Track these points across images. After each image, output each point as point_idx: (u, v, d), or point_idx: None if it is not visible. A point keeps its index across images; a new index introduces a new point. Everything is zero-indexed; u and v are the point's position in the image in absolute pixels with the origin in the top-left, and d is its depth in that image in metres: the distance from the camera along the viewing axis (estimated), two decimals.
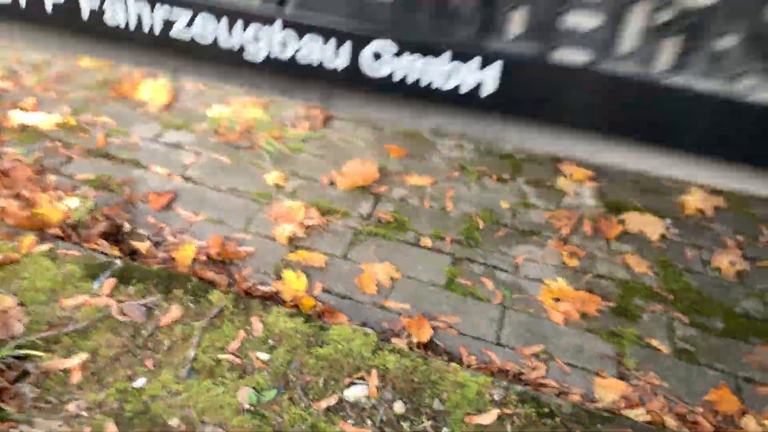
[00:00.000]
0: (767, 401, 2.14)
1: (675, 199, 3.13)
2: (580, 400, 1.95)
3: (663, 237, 2.84)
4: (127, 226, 2.33)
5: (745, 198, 3.23)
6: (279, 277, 2.27)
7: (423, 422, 1.70)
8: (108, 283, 1.93)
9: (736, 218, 3.06)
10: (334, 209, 2.65)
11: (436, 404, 1.76)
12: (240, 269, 2.28)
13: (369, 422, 1.67)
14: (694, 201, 3.09)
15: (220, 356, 1.76)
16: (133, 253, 2.23)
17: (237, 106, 3.10)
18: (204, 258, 2.24)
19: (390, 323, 2.17)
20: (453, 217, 2.73)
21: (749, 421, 2.03)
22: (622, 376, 2.13)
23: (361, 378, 1.78)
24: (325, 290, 2.26)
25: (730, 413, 2.06)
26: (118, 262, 2.02)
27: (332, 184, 2.79)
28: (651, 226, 2.88)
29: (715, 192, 3.21)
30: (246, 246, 2.37)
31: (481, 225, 2.71)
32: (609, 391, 2.05)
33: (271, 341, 1.85)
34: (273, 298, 2.15)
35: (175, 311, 1.87)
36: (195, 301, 1.93)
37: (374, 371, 1.79)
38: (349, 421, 1.66)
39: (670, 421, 1.94)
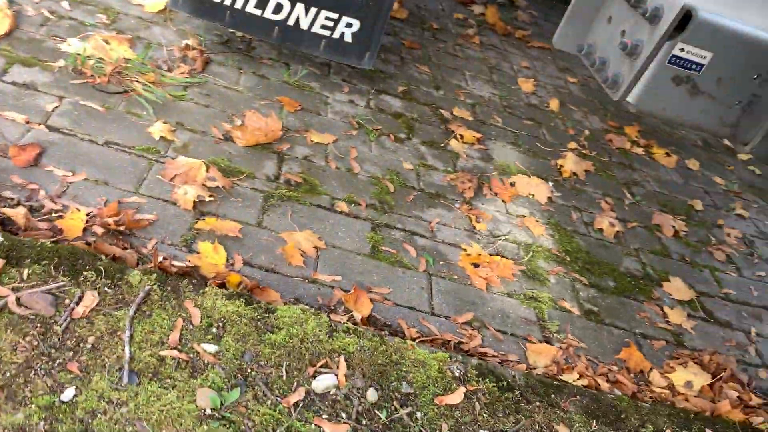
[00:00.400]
0: (664, 355, 2.33)
1: (551, 162, 3.27)
2: (528, 369, 1.96)
3: (550, 200, 2.95)
4: None
5: (606, 162, 3.48)
6: (190, 250, 1.96)
7: (397, 409, 1.58)
8: None
9: (603, 181, 3.29)
10: (237, 169, 2.35)
11: (405, 387, 1.65)
12: (143, 242, 1.93)
13: (344, 415, 1.52)
14: (568, 165, 3.25)
15: (162, 352, 1.47)
16: (4, 224, 1.78)
17: (98, 42, 2.60)
18: (100, 229, 1.86)
19: (324, 298, 1.99)
20: (362, 180, 2.58)
21: (655, 376, 2.20)
22: (547, 340, 2.19)
23: (325, 365, 1.61)
24: (246, 263, 2.01)
25: (638, 369, 2.22)
26: None
27: (227, 139, 2.48)
28: (538, 189, 2.98)
29: (582, 155, 3.41)
30: (144, 213, 2.02)
31: (391, 188, 2.59)
32: (541, 356, 2.09)
33: (214, 329, 1.59)
34: (190, 275, 1.86)
35: (90, 299, 1.52)
36: (111, 284, 1.59)
37: (341, 358, 1.62)
38: (324, 416, 1.49)
39: (603, 383, 2.03)
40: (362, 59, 2.68)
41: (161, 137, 2.34)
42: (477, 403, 1.70)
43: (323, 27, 2.58)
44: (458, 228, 2.54)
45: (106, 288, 1.57)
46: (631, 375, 2.19)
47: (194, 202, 2.10)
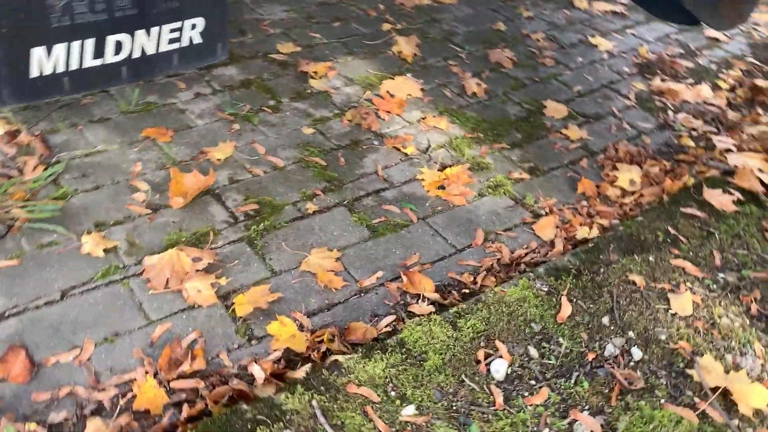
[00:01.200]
0: (593, 168, 2.78)
1: (389, 53, 3.37)
2: (560, 251, 2.26)
3: (423, 90, 3.10)
4: (32, 428, 1.53)
5: (419, 27, 3.66)
6: (258, 340, 1.85)
7: (552, 347, 1.80)
8: None
9: (431, 47, 3.49)
10: (199, 234, 2.15)
11: (535, 327, 1.86)
12: (218, 363, 1.77)
13: (533, 382, 1.70)
14: (404, 48, 3.38)
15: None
16: None
17: None
18: (181, 383, 1.67)
19: (387, 299, 2.04)
20: (293, 170, 2.49)
21: (608, 190, 2.64)
22: (537, 214, 2.49)
23: (485, 356, 1.74)
24: (308, 314, 1.95)
25: (595, 192, 2.64)
26: None
27: (156, 209, 2.21)
28: (408, 86, 3.10)
29: (400, 32, 3.53)
30: (185, 337, 1.82)
31: (322, 162, 2.55)
32: (546, 230, 2.39)
33: (392, 392, 1.61)
34: (293, 360, 1.79)
35: None
36: (286, 425, 1.50)
37: (496, 341, 1.76)
38: (526, 393, 1.66)
39: (601, 222, 2.41)
40: (216, 53, 2.44)
41: (104, 250, 2.02)
42: (578, 301, 1.97)
43: (171, 41, 2.26)
44: (398, 162, 2.62)
45: (286, 429, 1.49)
46: (597, 200, 2.60)
47: (216, 294, 1.92)
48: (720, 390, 1.72)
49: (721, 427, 1.65)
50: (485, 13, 3.99)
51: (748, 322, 2.00)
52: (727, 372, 1.79)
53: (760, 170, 2.70)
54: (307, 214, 2.29)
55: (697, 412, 1.67)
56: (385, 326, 1.91)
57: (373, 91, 3.00)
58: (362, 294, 2.03)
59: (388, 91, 3.00)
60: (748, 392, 1.73)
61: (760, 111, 3.44)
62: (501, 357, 1.72)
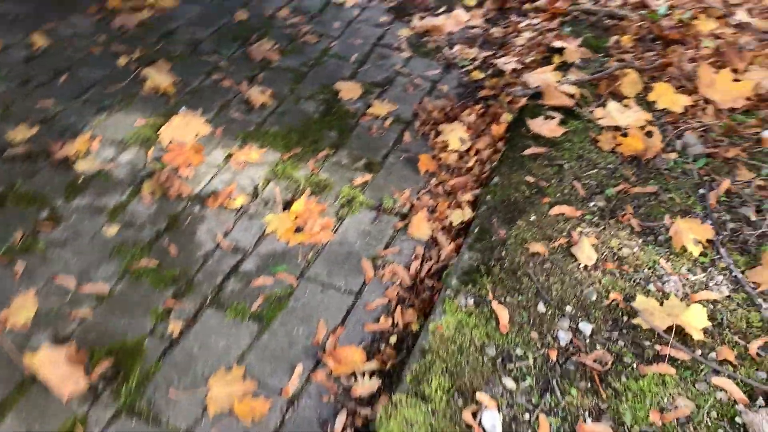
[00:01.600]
0: (419, 140, 2.67)
1: (143, 91, 2.88)
2: (452, 249, 2.13)
3: (208, 122, 2.71)
4: None
5: (165, 47, 3.17)
6: None
7: (509, 351, 1.69)
8: None
9: (192, 64, 3.06)
10: (72, 423, 1.65)
11: (489, 351, 1.73)
12: None
13: (528, 414, 1.59)
14: (157, 79, 2.91)
15: None
16: None
17: None
18: None
19: (324, 394, 1.77)
20: (126, 290, 2.02)
21: (448, 157, 2.56)
22: (402, 214, 2.32)
23: (472, 415, 1.58)
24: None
25: (434, 166, 2.54)
26: None
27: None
28: (190, 124, 2.68)
29: (136, 60, 3.04)
30: None
31: (152, 262, 2.10)
32: (422, 229, 2.25)
33: None
34: None
35: None
36: None
37: (479, 395, 1.59)
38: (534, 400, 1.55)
39: (465, 197, 2.32)
40: None
41: None
42: (506, 298, 1.87)
43: None
44: (235, 222, 2.26)
45: None
46: (443, 173, 2.50)
47: None
48: (672, 328, 1.76)
49: (691, 363, 1.69)
50: (216, 5, 3.56)
51: (640, 241, 2.06)
52: (661, 304, 1.83)
53: (559, 82, 2.79)
54: (175, 339, 1.87)
55: (666, 361, 1.69)
56: (343, 429, 1.65)
57: (155, 147, 2.52)
58: (295, 404, 1.73)
59: (171, 141, 2.55)
60: (689, 317, 1.78)
61: (514, 18, 3.56)
62: (486, 407, 1.57)
